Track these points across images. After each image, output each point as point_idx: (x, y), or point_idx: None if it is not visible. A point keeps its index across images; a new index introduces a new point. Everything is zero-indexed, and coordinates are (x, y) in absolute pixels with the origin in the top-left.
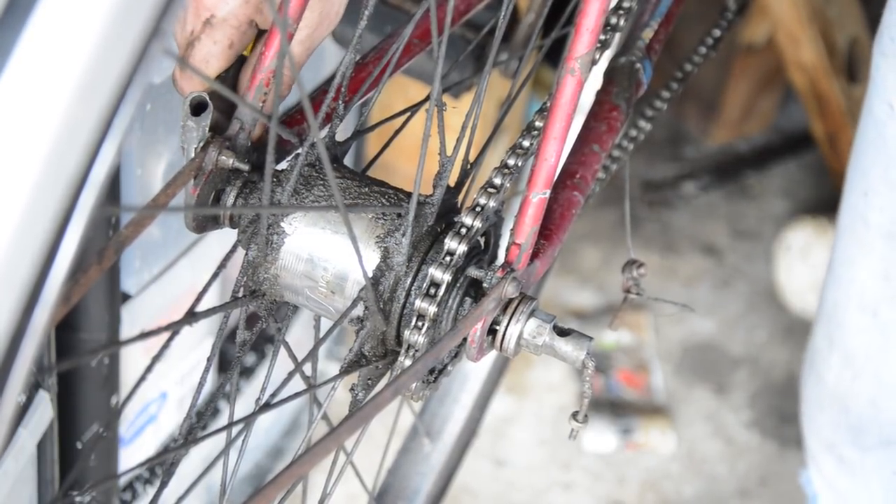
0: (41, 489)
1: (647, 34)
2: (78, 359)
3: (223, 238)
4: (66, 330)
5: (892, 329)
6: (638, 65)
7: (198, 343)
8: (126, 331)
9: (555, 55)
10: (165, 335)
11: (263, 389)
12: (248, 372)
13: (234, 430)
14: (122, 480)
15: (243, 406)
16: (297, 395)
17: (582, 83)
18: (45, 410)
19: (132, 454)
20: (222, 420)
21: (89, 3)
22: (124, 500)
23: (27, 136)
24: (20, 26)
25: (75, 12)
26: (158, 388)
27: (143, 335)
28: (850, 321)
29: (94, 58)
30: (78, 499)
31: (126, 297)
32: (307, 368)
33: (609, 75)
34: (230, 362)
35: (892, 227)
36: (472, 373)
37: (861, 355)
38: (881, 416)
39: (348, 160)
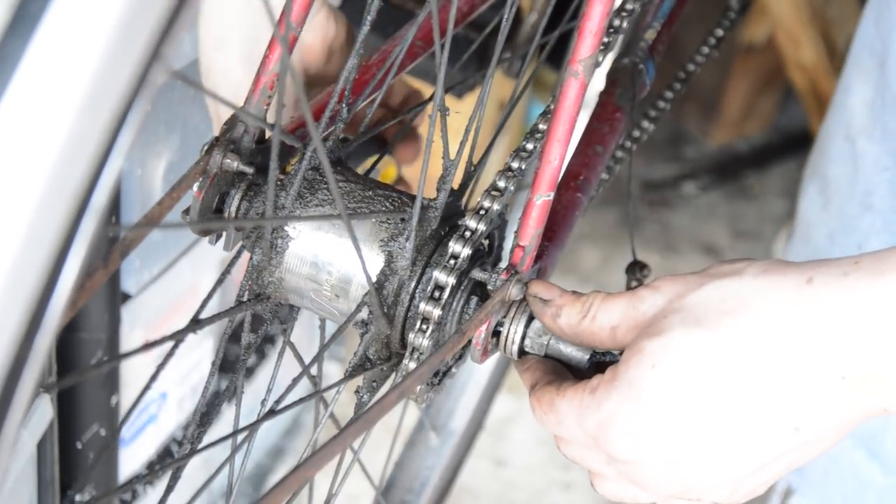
0: (41, 489)
1: (650, 35)
2: (81, 374)
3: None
4: (66, 330)
5: (862, 161)
6: (641, 66)
7: (198, 343)
8: (126, 331)
9: (557, 56)
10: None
11: (269, 391)
12: (247, 372)
13: (240, 435)
14: (122, 480)
15: (245, 406)
16: (303, 399)
17: (585, 86)
18: (45, 410)
19: (132, 454)
20: (224, 421)
21: (91, 27)
22: (124, 501)
23: (34, 154)
24: (23, 48)
25: (77, 35)
26: (158, 388)
27: (148, 346)
28: (833, 149)
29: (96, 80)
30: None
31: (126, 297)
32: (312, 371)
33: (612, 76)
34: (230, 363)
35: (889, 54)
36: (478, 366)
37: (833, 185)
38: (834, 251)
39: None
